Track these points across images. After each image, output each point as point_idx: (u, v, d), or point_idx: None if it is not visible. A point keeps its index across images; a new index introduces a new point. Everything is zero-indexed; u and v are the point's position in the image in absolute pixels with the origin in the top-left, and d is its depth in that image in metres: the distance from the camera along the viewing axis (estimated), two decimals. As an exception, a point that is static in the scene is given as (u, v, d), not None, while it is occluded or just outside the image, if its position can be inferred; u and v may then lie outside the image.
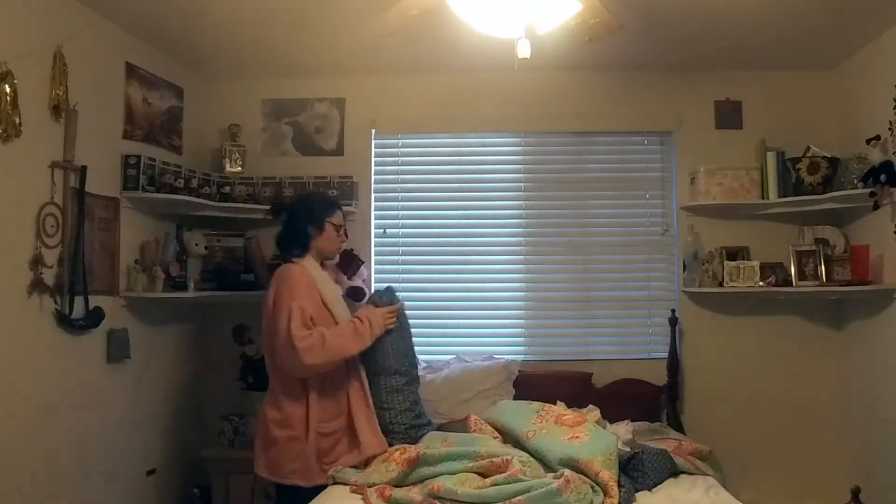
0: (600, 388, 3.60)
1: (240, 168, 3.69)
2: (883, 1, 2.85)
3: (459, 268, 3.83)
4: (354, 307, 3.01)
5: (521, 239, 3.84)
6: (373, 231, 3.83)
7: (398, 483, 2.48)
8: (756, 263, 3.49)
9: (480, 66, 3.51)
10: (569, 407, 3.10)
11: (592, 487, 2.34)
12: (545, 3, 2.13)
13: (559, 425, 2.73)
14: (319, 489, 2.56)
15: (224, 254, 3.58)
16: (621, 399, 3.49)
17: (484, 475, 2.43)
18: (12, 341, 2.49)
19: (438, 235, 3.86)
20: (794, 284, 3.44)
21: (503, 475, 2.36)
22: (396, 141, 3.89)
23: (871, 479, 3.17)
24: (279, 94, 3.86)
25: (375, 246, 3.84)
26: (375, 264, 3.81)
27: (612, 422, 3.16)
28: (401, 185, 3.87)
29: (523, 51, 2.21)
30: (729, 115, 3.74)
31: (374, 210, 3.84)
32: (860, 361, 3.46)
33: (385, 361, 2.90)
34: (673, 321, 3.62)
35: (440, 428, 3.00)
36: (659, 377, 3.61)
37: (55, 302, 2.68)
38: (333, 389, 2.76)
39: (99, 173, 2.93)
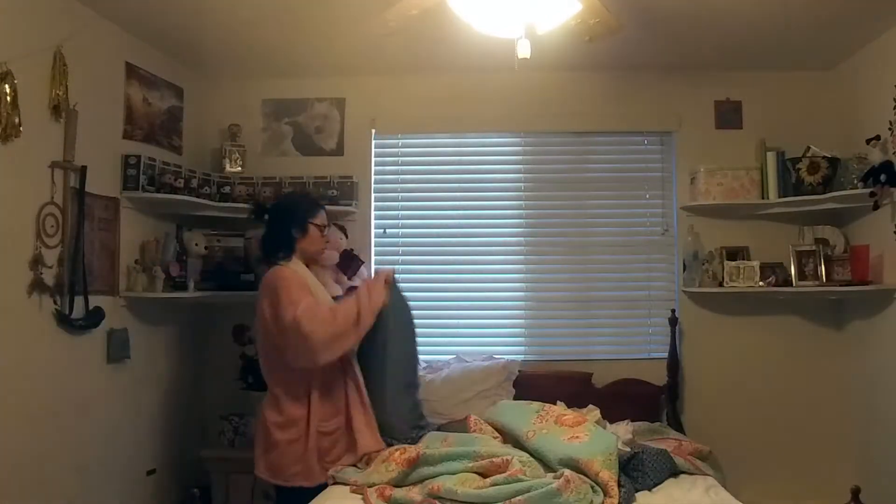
0: (600, 388, 3.60)
1: (240, 168, 3.70)
2: (883, 1, 2.85)
3: (459, 268, 3.83)
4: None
5: (521, 239, 3.84)
6: (373, 231, 3.83)
7: (398, 483, 2.47)
8: (756, 263, 3.49)
9: (480, 66, 3.51)
10: (569, 407, 3.10)
11: (592, 487, 2.33)
12: (545, 3, 2.13)
13: (559, 425, 2.73)
14: (321, 488, 2.57)
15: (224, 254, 3.58)
16: (621, 399, 3.49)
17: (484, 475, 2.43)
18: (12, 341, 2.49)
19: (438, 235, 3.86)
20: (794, 284, 3.44)
21: (503, 475, 2.35)
22: (396, 141, 3.89)
23: (871, 479, 3.17)
24: (279, 94, 3.86)
25: (375, 246, 3.84)
26: (375, 264, 3.80)
27: (612, 422, 3.16)
28: (401, 185, 3.87)
29: (523, 51, 2.21)
30: (729, 115, 3.74)
31: (374, 210, 3.84)
32: (860, 361, 3.46)
33: (386, 363, 2.88)
34: (673, 321, 3.62)
35: (440, 428, 2.99)
36: (659, 377, 3.61)
37: (55, 302, 2.68)
38: (332, 389, 2.75)
39: (99, 173, 2.93)
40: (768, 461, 3.58)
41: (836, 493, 3.05)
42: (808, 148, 3.45)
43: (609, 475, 2.37)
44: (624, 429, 3.08)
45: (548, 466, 2.52)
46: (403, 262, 3.81)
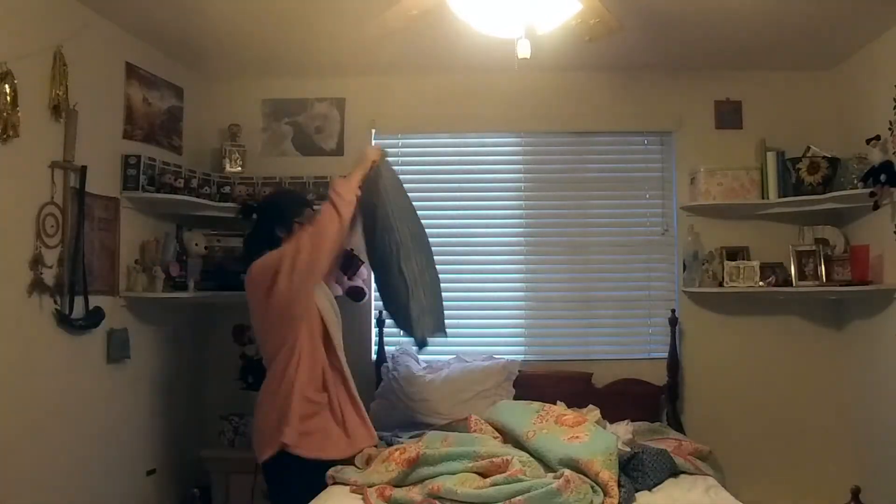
0: (600, 388, 3.60)
1: (240, 168, 3.70)
2: (883, 1, 2.85)
3: (459, 268, 3.82)
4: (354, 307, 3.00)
5: (521, 239, 3.84)
6: (373, 231, 3.83)
7: (398, 483, 2.47)
8: (756, 263, 3.49)
9: (480, 66, 3.51)
10: (569, 407, 3.10)
11: (592, 487, 2.33)
12: (545, 3, 2.13)
13: (559, 425, 2.73)
14: (299, 461, 2.56)
15: (224, 254, 3.57)
16: (621, 399, 3.50)
17: (484, 475, 2.42)
18: (12, 341, 2.49)
19: (438, 235, 3.83)
20: (794, 284, 3.44)
21: (503, 475, 2.35)
22: (396, 141, 3.89)
23: (871, 479, 3.17)
24: (279, 94, 3.86)
25: (375, 246, 3.84)
26: (375, 264, 3.80)
27: (612, 422, 3.16)
28: (401, 186, 3.86)
29: (523, 51, 2.21)
30: (729, 115, 3.74)
31: (375, 210, 3.83)
32: (860, 361, 3.46)
33: (392, 248, 2.74)
34: (673, 321, 3.62)
35: (440, 428, 2.99)
36: (659, 377, 3.62)
37: (55, 302, 2.68)
38: (316, 364, 2.67)
39: (99, 173, 2.94)
40: (768, 461, 3.58)
41: (836, 493, 3.06)
42: (808, 148, 3.45)
43: (609, 475, 2.37)
44: (624, 429, 3.08)
45: (548, 466, 2.52)
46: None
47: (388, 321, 3.73)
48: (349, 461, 2.69)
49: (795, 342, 3.65)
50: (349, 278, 3.33)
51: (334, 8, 2.94)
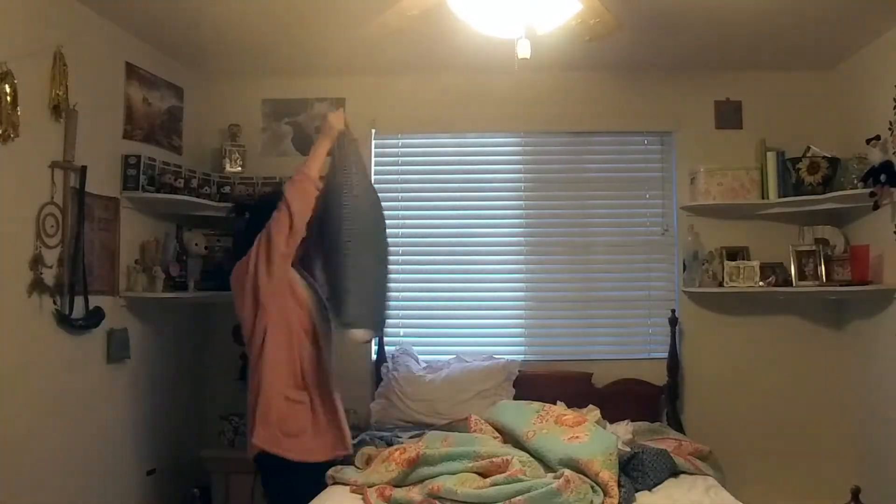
0: (600, 388, 3.60)
1: (240, 168, 3.70)
2: (883, 1, 2.85)
3: (459, 268, 3.82)
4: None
5: (521, 239, 3.84)
6: (373, 231, 3.83)
7: (398, 483, 2.48)
8: (756, 263, 3.49)
9: (480, 66, 3.51)
10: (569, 407, 3.10)
11: (592, 487, 2.33)
12: (545, 3, 2.13)
13: (559, 425, 2.73)
14: (281, 461, 2.53)
15: (224, 254, 3.57)
16: (621, 399, 3.50)
17: (484, 475, 2.43)
18: (12, 341, 2.49)
19: (438, 235, 3.86)
20: (794, 284, 3.44)
21: (503, 475, 2.35)
22: (396, 141, 3.89)
23: (871, 479, 3.17)
24: (279, 94, 3.86)
25: (375, 246, 3.84)
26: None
27: (612, 422, 3.17)
28: (401, 185, 3.86)
29: (523, 51, 2.21)
30: (729, 115, 3.74)
31: (375, 210, 3.83)
32: (860, 361, 3.46)
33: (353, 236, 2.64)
34: (673, 321, 3.62)
35: (440, 428, 2.99)
36: (659, 377, 3.62)
37: (55, 302, 2.68)
38: (295, 368, 2.63)
39: (99, 173, 2.94)
40: (768, 461, 3.58)
41: (836, 493, 3.05)
42: (808, 148, 3.45)
43: (609, 475, 2.37)
44: (624, 429, 3.09)
45: (548, 466, 2.52)
46: (403, 263, 3.81)
47: (389, 321, 3.73)
48: (343, 462, 2.69)
49: (795, 342, 3.65)
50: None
51: (334, 8, 2.94)
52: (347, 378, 3.32)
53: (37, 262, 2.59)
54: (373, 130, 3.83)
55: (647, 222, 3.81)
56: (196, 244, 3.48)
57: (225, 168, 3.67)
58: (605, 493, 2.32)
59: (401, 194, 3.86)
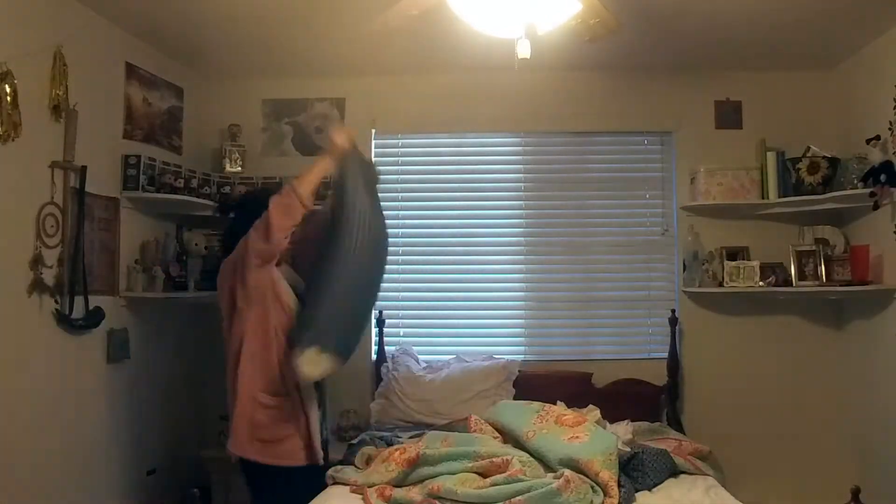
0: (600, 388, 3.60)
1: (240, 168, 3.70)
2: (883, 1, 2.85)
3: (459, 268, 3.82)
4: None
5: (521, 239, 3.84)
6: (373, 231, 3.82)
7: (398, 483, 2.47)
8: (756, 263, 3.49)
9: (480, 66, 3.51)
10: (569, 407, 3.10)
11: (592, 487, 2.33)
12: (545, 3, 2.13)
13: (559, 425, 2.73)
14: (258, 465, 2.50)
15: (224, 254, 3.57)
16: (621, 399, 3.49)
17: (484, 475, 2.43)
18: (12, 341, 2.49)
19: (438, 235, 3.86)
20: (794, 284, 3.44)
21: (503, 475, 2.35)
22: (396, 141, 3.89)
23: (871, 480, 3.17)
24: (279, 94, 3.86)
25: (375, 246, 3.83)
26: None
27: (612, 422, 3.16)
28: (401, 185, 3.86)
29: (523, 51, 2.21)
30: (729, 115, 3.75)
31: (374, 210, 3.83)
32: (860, 361, 3.46)
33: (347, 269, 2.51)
34: (673, 321, 3.63)
35: (440, 428, 2.99)
36: (659, 377, 3.61)
37: (55, 302, 2.68)
38: (270, 372, 2.52)
39: (99, 173, 2.94)
40: (768, 461, 3.58)
41: (836, 493, 3.05)
42: (808, 148, 3.45)
43: (609, 475, 2.37)
44: (624, 429, 3.08)
45: (548, 466, 2.52)
46: (404, 262, 3.81)
47: (389, 321, 3.74)
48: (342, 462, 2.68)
49: (795, 342, 3.65)
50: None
51: (334, 8, 2.94)
52: (347, 378, 3.33)
53: (37, 262, 2.59)
54: (373, 130, 3.83)
55: (647, 222, 3.81)
56: (196, 244, 3.48)
57: (225, 168, 3.67)
58: (605, 494, 2.32)
59: (401, 194, 3.86)
